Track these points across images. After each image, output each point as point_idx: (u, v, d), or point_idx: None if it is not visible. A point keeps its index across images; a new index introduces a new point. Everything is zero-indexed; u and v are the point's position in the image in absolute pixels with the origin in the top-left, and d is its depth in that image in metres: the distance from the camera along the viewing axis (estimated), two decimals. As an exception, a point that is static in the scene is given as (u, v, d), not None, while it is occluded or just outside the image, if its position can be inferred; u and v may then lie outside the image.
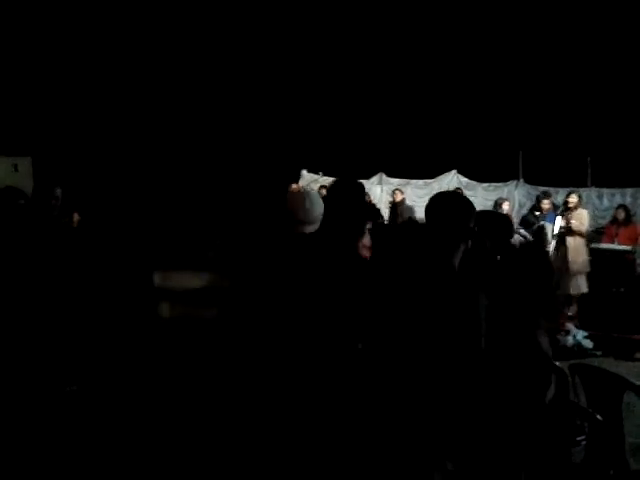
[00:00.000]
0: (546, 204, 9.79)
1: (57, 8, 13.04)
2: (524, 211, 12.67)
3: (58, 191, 4.57)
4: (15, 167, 12.46)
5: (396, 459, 2.38)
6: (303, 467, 2.50)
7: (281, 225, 3.05)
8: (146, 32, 14.00)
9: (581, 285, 8.94)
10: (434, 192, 11.69)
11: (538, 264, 3.10)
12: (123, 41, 13.78)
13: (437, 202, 2.80)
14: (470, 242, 2.70)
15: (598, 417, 3.42)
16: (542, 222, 9.57)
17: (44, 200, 4.44)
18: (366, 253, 4.08)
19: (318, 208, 3.10)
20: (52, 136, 13.20)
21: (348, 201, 3.82)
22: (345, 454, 2.44)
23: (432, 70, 15.53)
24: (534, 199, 12.39)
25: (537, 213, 9.80)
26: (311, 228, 3.02)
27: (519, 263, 3.14)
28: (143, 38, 13.99)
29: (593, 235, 10.61)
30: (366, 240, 4.07)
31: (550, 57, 15.09)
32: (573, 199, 9.25)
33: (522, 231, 10.04)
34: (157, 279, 3.34)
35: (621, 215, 9.85)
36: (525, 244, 8.48)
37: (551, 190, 12.54)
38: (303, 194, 3.21)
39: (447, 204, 2.75)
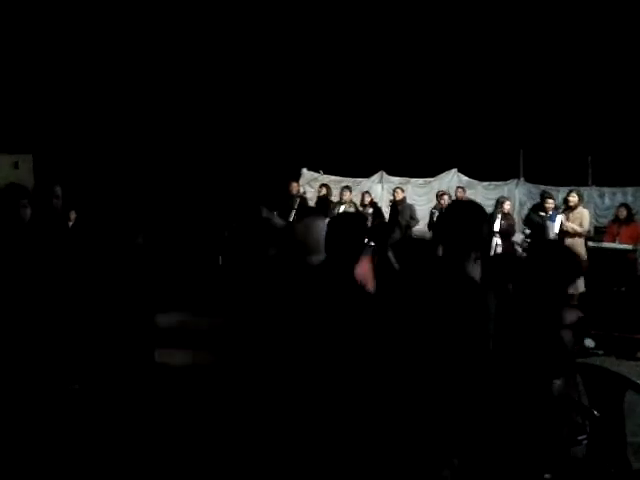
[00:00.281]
0: (550, 203, 9.82)
1: (57, 8, 13.02)
2: (525, 210, 12.67)
3: (58, 189, 4.38)
4: (16, 164, 12.46)
5: (406, 456, 2.39)
6: (312, 464, 2.49)
7: (289, 255, 3.02)
8: (146, 31, 13.97)
9: (579, 284, 8.94)
10: (434, 191, 11.65)
11: (564, 257, 3.08)
12: (123, 40, 13.76)
13: (452, 212, 2.82)
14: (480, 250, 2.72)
15: (595, 413, 3.42)
16: (547, 221, 9.61)
17: (45, 199, 4.29)
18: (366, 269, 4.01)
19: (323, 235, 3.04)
20: (53, 134, 13.18)
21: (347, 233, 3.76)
22: (354, 451, 2.44)
23: (433, 69, 15.51)
24: (535, 198, 12.40)
25: (542, 213, 9.83)
26: (319, 257, 2.99)
27: (544, 258, 3.12)
28: (143, 37, 13.97)
29: (594, 234, 10.62)
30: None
31: (551, 56, 15.07)
32: (573, 198, 9.27)
33: (527, 231, 10.07)
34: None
35: (623, 214, 9.85)
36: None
37: (552, 189, 12.54)
38: (313, 224, 3.14)
39: (461, 214, 2.76)
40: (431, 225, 11.19)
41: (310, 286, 2.81)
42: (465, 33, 15.21)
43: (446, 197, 11.09)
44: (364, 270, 3.92)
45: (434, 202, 12.84)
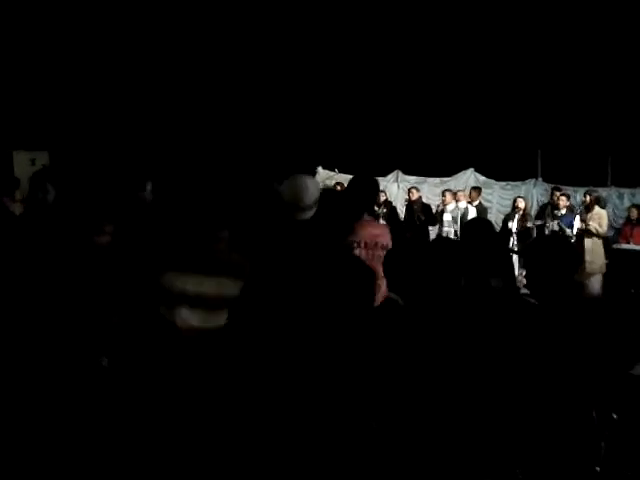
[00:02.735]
0: (563, 200, 9.79)
1: (69, 8, 13.08)
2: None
3: (49, 186, 4.63)
4: (33, 161, 12.55)
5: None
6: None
7: (281, 212, 3.08)
8: (162, 30, 14.01)
9: (595, 287, 8.85)
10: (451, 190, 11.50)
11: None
12: (139, 40, 13.80)
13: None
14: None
15: (614, 416, 3.38)
16: (557, 221, 9.56)
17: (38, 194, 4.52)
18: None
19: (316, 193, 3.21)
20: (68, 131, 13.27)
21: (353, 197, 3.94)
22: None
23: (450, 67, 15.42)
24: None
25: (555, 211, 9.78)
26: (310, 214, 3.11)
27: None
28: (159, 36, 14.01)
29: (612, 235, 10.51)
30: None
31: (570, 55, 14.92)
32: (585, 198, 9.22)
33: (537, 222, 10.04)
34: (171, 281, 3.26)
35: (634, 214, 9.77)
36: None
37: (570, 189, 12.41)
38: (304, 181, 3.26)
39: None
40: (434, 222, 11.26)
41: (298, 241, 2.84)
42: (482, 32, 15.11)
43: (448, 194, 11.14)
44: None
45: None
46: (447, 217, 10.80)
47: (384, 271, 2.94)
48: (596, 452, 3.05)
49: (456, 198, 11.05)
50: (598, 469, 3.04)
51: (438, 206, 11.30)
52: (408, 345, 2.52)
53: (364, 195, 4.16)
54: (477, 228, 3.50)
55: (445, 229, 10.67)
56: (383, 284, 2.99)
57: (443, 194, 11.24)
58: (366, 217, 4.19)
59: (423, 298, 2.70)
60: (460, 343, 2.50)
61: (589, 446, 2.97)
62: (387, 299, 2.83)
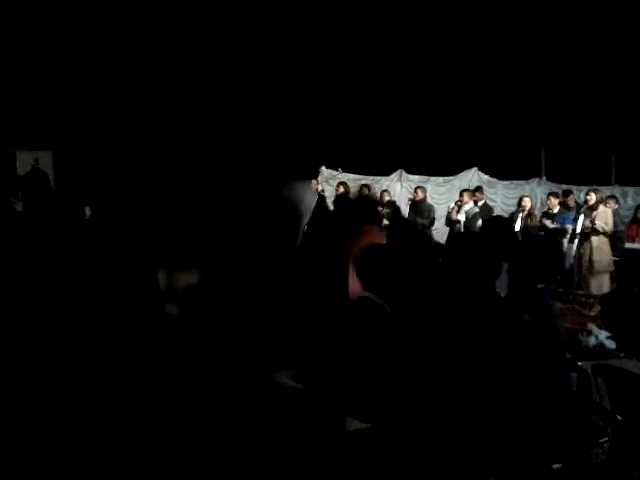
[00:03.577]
0: (552, 201, 9.95)
1: (72, 9, 13.10)
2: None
3: (39, 192, 4.81)
4: (36, 161, 12.57)
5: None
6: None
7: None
8: (165, 29, 14.02)
9: (604, 285, 8.84)
10: (455, 189, 11.65)
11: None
12: (142, 40, 13.81)
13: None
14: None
15: (618, 417, 3.37)
16: (550, 220, 9.65)
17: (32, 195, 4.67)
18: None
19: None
20: (72, 131, 13.30)
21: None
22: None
23: (453, 66, 15.40)
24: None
25: (549, 211, 9.91)
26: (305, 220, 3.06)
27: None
28: (163, 36, 14.01)
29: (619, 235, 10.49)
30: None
31: (573, 54, 14.89)
32: (590, 197, 9.22)
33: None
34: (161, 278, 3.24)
35: None
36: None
37: (574, 188, 12.40)
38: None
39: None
40: (448, 222, 11.15)
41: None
42: (485, 30, 15.09)
43: (466, 195, 11.05)
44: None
45: (454, 200, 12.74)
46: (461, 217, 10.75)
47: (358, 271, 2.91)
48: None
49: (474, 198, 11.01)
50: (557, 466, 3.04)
51: (454, 206, 11.21)
52: (388, 342, 2.52)
53: (356, 212, 3.90)
54: (492, 228, 3.50)
55: (458, 228, 10.63)
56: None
57: (461, 194, 11.18)
58: (368, 229, 3.84)
59: (399, 296, 2.70)
60: (438, 341, 2.50)
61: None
62: (363, 298, 2.81)
